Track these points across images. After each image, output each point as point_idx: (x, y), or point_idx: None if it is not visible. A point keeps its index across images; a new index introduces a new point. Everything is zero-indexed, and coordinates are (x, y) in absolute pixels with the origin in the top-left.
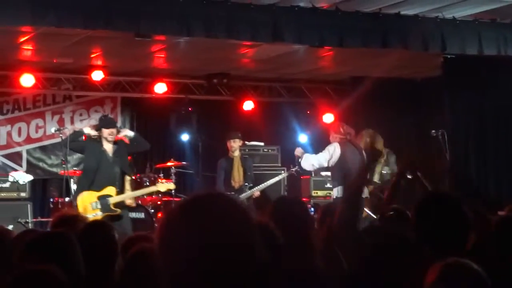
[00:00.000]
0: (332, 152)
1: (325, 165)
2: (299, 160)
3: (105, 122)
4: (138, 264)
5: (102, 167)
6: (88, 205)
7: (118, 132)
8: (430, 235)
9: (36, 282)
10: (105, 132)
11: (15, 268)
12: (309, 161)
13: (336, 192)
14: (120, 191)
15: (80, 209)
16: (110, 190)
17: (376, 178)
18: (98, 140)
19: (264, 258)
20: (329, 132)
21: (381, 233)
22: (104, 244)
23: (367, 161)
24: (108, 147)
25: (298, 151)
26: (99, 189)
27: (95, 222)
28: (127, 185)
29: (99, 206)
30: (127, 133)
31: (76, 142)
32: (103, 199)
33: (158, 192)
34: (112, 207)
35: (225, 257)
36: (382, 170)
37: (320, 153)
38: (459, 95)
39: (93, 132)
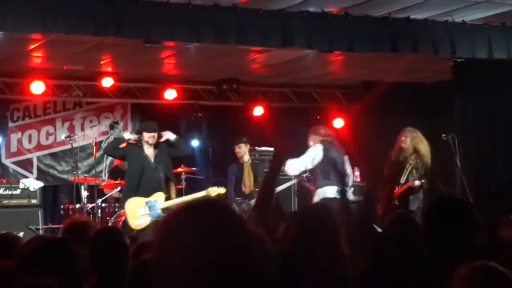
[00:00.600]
0: (315, 154)
1: (310, 167)
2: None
3: (146, 126)
4: (144, 273)
5: (146, 172)
6: (137, 210)
7: (160, 136)
8: (438, 238)
9: None
10: (146, 135)
11: (17, 280)
12: (293, 165)
13: (323, 193)
14: (167, 197)
15: (128, 215)
16: (159, 195)
17: (402, 180)
18: (139, 145)
19: (261, 267)
20: (308, 136)
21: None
22: (114, 250)
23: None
24: (150, 152)
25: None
26: (146, 194)
27: (106, 229)
28: (172, 192)
29: (147, 212)
30: (169, 136)
31: (117, 150)
32: (151, 204)
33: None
34: (161, 213)
35: (222, 265)
36: (410, 173)
37: (303, 156)
38: (469, 99)
39: (133, 136)
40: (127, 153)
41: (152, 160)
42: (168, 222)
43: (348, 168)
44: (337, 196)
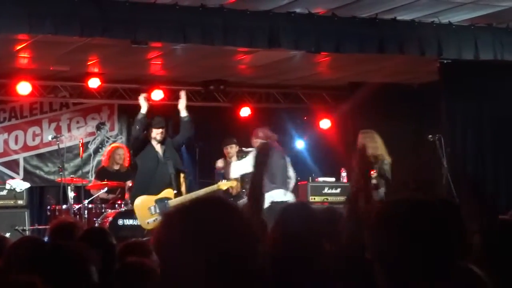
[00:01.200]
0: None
1: (245, 171)
2: (222, 171)
3: (154, 122)
4: (130, 275)
5: (158, 170)
6: (147, 209)
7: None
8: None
9: None
10: (155, 132)
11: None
12: (235, 168)
13: (271, 197)
14: (178, 192)
15: (138, 214)
16: (168, 192)
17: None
18: (148, 141)
19: (262, 265)
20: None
21: None
22: (101, 251)
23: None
24: (158, 148)
25: (219, 162)
26: (156, 191)
27: (93, 229)
28: (183, 186)
29: (157, 210)
30: (182, 113)
31: (139, 142)
32: (161, 202)
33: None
34: None
35: (223, 262)
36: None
37: (244, 159)
38: (456, 100)
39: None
40: (143, 149)
41: (162, 156)
42: (168, 221)
43: (290, 171)
44: (285, 199)
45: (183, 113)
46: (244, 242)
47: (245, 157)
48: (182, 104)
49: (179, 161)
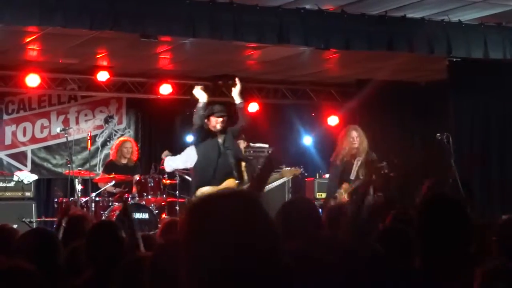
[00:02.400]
0: (187, 155)
1: (181, 167)
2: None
3: (216, 110)
4: (138, 270)
5: (219, 160)
6: None
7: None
8: (431, 237)
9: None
10: (215, 120)
11: None
12: (168, 163)
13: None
14: (240, 181)
15: None
16: (230, 182)
17: (352, 176)
18: (209, 130)
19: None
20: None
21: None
22: (111, 244)
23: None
24: (219, 137)
25: (165, 153)
26: (218, 183)
27: (103, 222)
28: (245, 175)
29: None
30: (236, 100)
31: (201, 132)
32: None
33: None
34: None
35: (248, 257)
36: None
37: (178, 155)
38: (464, 99)
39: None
40: (204, 138)
41: (222, 145)
42: (196, 210)
43: None
44: None
45: (237, 99)
46: (264, 239)
47: (252, 153)
48: (235, 91)
49: (239, 150)
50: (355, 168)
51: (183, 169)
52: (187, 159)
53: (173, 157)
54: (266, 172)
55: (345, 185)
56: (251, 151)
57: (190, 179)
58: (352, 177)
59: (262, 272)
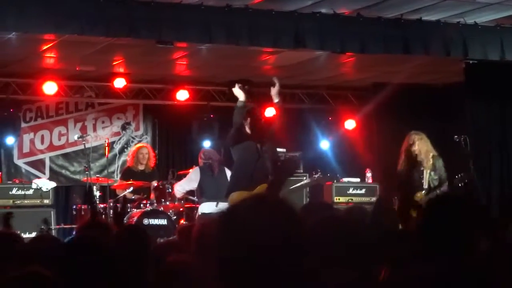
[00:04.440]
0: (191, 178)
1: (188, 189)
2: None
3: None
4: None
5: (257, 163)
6: None
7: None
8: (436, 237)
9: (25, 283)
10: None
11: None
12: (176, 189)
13: (201, 209)
14: None
15: None
16: (264, 187)
17: (425, 185)
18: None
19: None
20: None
21: None
22: (136, 250)
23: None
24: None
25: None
26: (255, 185)
27: (129, 227)
28: None
29: None
30: (275, 99)
31: (240, 132)
32: None
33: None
34: None
35: (277, 257)
36: (430, 176)
37: (184, 179)
38: (481, 101)
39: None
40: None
41: (260, 148)
42: (231, 213)
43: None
44: (212, 210)
45: (275, 99)
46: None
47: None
48: (274, 90)
49: (276, 152)
50: (426, 177)
51: (190, 190)
52: (190, 180)
53: (179, 182)
54: (278, 183)
55: (419, 194)
56: None
57: (195, 199)
58: (426, 185)
59: (288, 273)
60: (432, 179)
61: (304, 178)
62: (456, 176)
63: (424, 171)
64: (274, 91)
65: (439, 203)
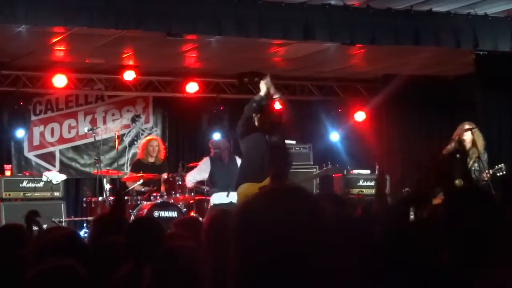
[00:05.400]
0: (201, 168)
1: (199, 179)
2: None
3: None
4: (171, 260)
5: (266, 154)
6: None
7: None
8: (460, 232)
9: (58, 276)
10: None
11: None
12: (187, 179)
13: (212, 200)
14: None
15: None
16: None
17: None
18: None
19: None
20: None
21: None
22: (150, 240)
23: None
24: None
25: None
26: (263, 178)
27: (142, 219)
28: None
29: None
30: (275, 96)
31: (248, 124)
32: None
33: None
34: None
35: (298, 249)
36: (473, 167)
37: (195, 169)
38: (492, 92)
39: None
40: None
41: (269, 140)
42: (249, 205)
43: None
44: (224, 201)
45: (275, 95)
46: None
47: None
48: (270, 88)
49: (284, 146)
50: (469, 166)
51: (201, 181)
52: (201, 171)
53: (190, 172)
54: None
55: (457, 181)
56: None
57: (206, 188)
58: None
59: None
60: (475, 170)
61: (314, 170)
62: (496, 166)
63: (469, 160)
64: (271, 88)
65: (466, 196)
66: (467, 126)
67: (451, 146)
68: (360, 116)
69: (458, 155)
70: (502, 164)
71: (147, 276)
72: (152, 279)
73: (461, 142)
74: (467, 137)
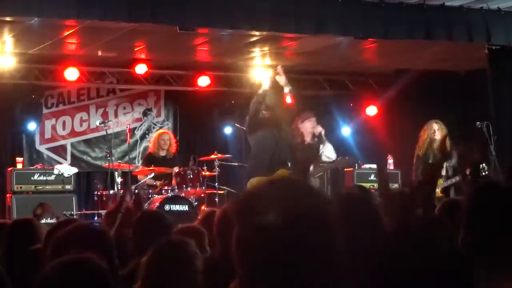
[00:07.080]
0: None
1: None
2: None
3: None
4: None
5: (276, 149)
6: None
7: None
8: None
9: (79, 269)
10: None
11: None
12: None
13: None
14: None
15: None
16: (282, 172)
17: (443, 172)
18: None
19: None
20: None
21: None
22: (159, 233)
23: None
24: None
25: None
26: (272, 172)
27: (149, 212)
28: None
29: None
30: (285, 89)
31: (255, 120)
32: None
33: None
34: None
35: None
36: (446, 165)
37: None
38: (504, 86)
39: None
40: (261, 126)
41: (278, 134)
42: (252, 196)
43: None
44: None
45: (286, 89)
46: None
47: None
48: (281, 80)
49: (293, 139)
50: (446, 164)
51: None
52: None
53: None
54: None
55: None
56: None
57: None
58: (444, 172)
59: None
60: (448, 168)
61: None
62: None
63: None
64: (281, 81)
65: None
66: (433, 124)
67: (422, 146)
68: (371, 110)
69: (448, 162)
70: (484, 164)
71: (143, 266)
72: (147, 271)
73: (443, 147)
74: (438, 136)
